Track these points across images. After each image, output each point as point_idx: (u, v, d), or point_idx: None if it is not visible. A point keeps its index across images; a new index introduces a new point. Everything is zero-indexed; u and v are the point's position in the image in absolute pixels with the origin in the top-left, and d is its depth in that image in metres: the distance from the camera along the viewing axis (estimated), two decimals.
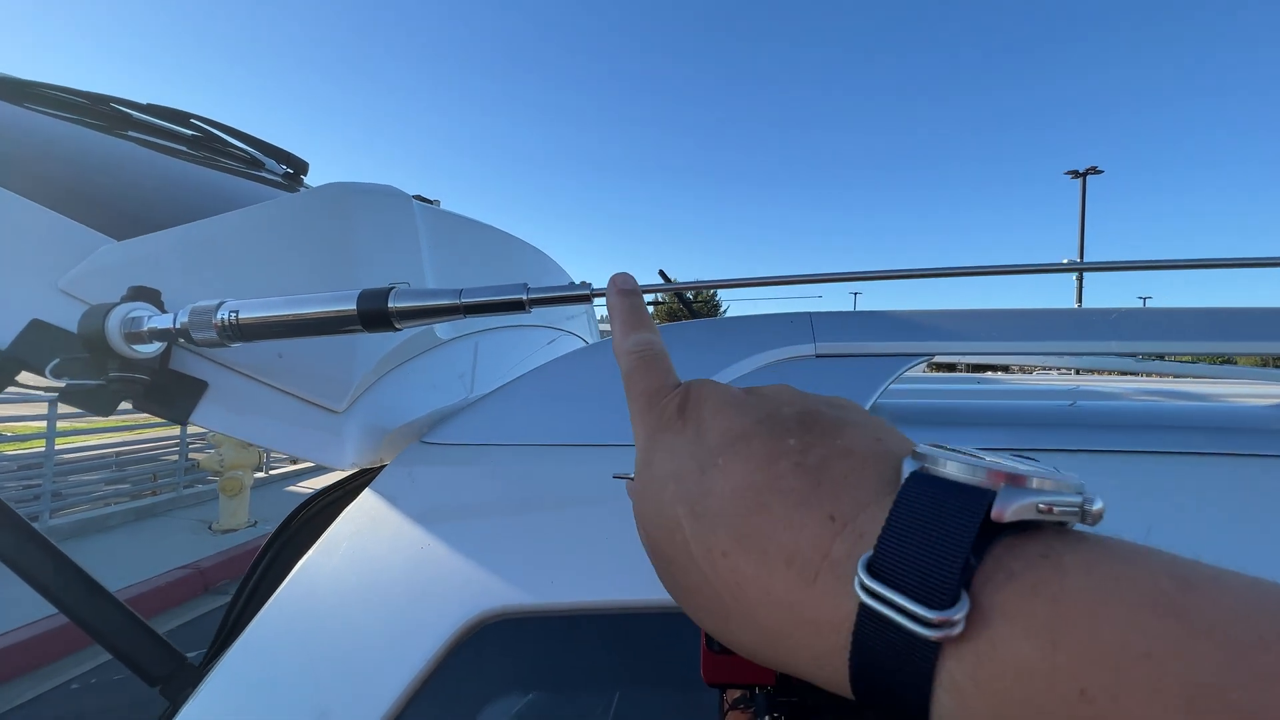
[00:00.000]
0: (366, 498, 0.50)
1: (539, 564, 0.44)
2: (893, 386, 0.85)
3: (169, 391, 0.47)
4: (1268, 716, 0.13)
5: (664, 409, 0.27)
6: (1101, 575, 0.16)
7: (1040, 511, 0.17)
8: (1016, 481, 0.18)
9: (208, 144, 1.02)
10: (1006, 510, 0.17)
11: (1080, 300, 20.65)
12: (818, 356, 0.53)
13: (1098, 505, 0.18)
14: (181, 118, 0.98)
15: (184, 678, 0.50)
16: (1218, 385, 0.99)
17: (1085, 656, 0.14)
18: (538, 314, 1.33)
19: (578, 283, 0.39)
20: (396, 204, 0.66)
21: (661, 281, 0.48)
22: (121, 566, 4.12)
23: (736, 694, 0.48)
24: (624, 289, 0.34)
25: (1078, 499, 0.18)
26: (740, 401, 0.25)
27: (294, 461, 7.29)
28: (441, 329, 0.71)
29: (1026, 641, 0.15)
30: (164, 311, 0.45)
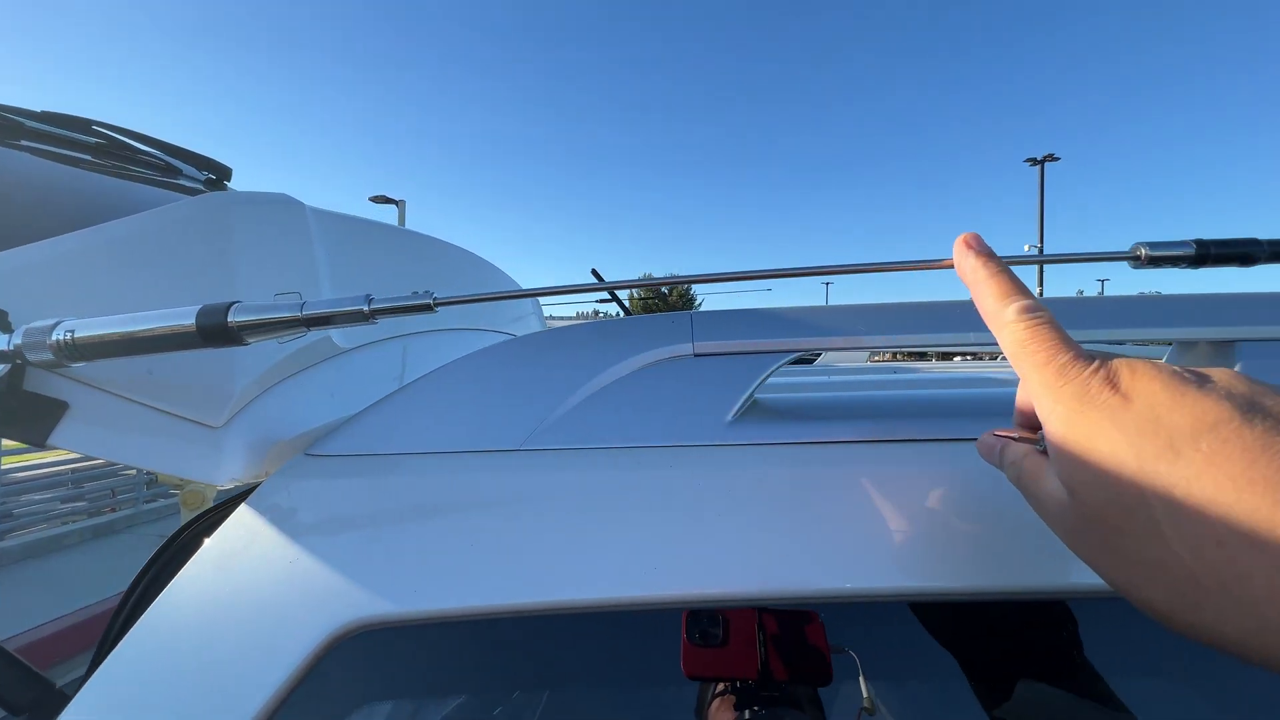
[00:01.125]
0: (241, 513, 0.50)
1: (408, 573, 0.45)
2: (774, 380, 0.86)
3: (20, 415, 0.46)
4: None
5: (1087, 381, 0.26)
6: None
7: None
8: None
9: (114, 152, 0.99)
10: None
11: (1040, 286, 21.20)
12: (695, 355, 0.53)
13: None
14: (81, 125, 0.95)
15: (51, 704, 0.49)
16: None
17: None
18: (486, 317, 1.33)
19: (422, 293, 0.39)
20: (286, 213, 0.65)
21: (594, 280, 0.48)
22: (80, 586, 3.99)
23: (719, 687, 0.49)
24: (982, 251, 0.33)
25: None
26: (1196, 383, 0.25)
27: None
28: (340, 337, 0.70)
29: None
30: (9, 331, 0.44)
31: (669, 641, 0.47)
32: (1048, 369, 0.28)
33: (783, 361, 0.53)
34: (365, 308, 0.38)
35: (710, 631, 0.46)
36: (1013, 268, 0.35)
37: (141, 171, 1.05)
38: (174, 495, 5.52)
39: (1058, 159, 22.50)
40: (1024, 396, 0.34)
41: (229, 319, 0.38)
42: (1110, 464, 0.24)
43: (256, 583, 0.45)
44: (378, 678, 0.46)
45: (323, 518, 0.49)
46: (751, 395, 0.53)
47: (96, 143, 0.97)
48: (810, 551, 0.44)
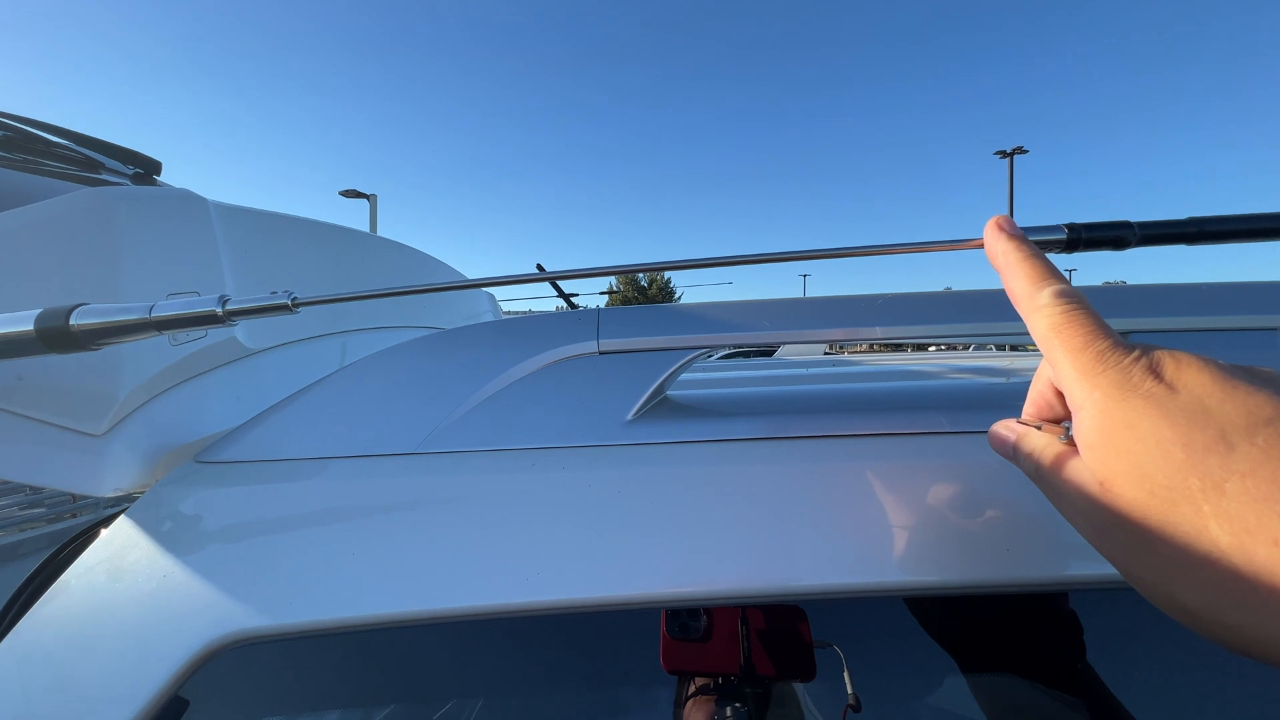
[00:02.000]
0: (120, 523, 0.47)
1: (286, 585, 0.43)
2: (705, 376, 0.86)
3: None
4: None
5: (1128, 369, 0.25)
6: None
7: None
8: None
9: (22, 144, 0.95)
10: None
11: None
12: (600, 353, 0.52)
13: None
14: None
15: None
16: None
17: None
18: (440, 315, 1.30)
19: (281, 292, 0.37)
20: (183, 209, 0.62)
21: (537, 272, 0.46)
22: None
23: (700, 683, 0.48)
24: (1015, 234, 0.32)
25: None
26: (1246, 377, 0.24)
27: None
28: (248, 339, 0.68)
29: None
30: None
31: (557, 648, 0.46)
32: (1084, 355, 0.27)
33: (688, 359, 0.52)
34: (219, 309, 0.36)
35: (691, 625, 0.45)
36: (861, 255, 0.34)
37: (57, 166, 1.01)
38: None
39: (1026, 151, 22.89)
40: (1041, 387, 0.33)
41: (71, 322, 0.36)
42: (1154, 454, 0.24)
43: (126, 598, 0.43)
44: (260, 695, 0.45)
45: (204, 527, 0.47)
46: (657, 393, 0.52)
47: (1, 135, 0.92)
48: (702, 552, 0.43)
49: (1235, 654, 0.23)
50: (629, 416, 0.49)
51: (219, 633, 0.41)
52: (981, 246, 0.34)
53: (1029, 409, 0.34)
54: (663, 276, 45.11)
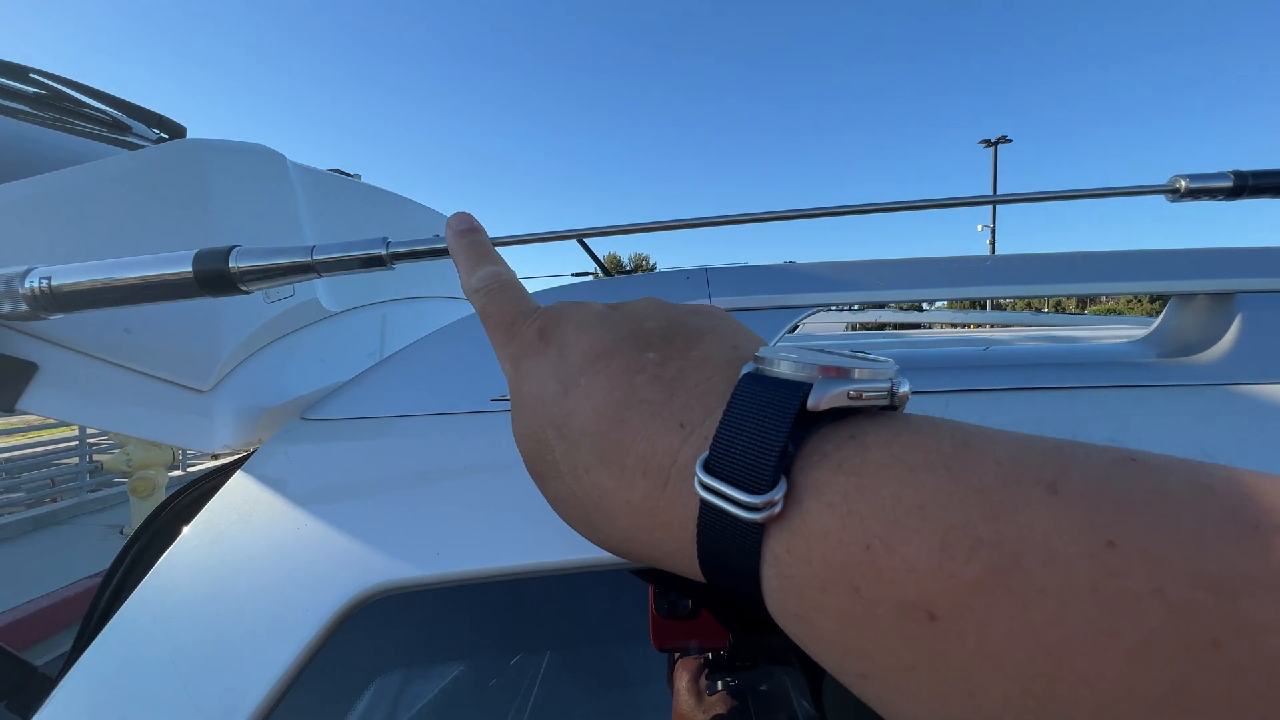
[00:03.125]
0: (238, 480, 0.46)
1: (422, 536, 0.43)
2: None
3: None
4: (1007, 547, 0.14)
5: (524, 335, 0.26)
6: (897, 446, 0.17)
7: (851, 398, 0.18)
8: (837, 374, 0.19)
9: (55, 104, 0.91)
10: (821, 400, 0.18)
11: (994, 249, 21.98)
12: None
13: (904, 389, 0.19)
14: (18, 72, 0.86)
15: (35, 688, 0.46)
16: (1098, 329, 1.07)
17: (870, 515, 0.16)
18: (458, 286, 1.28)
19: (434, 237, 0.36)
20: (265, 163, 0.61)
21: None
22: (22, 580, 3.77)
23: (687, 656, 0.48)
24: (460, 229, 0.32)
25: (886, 385, 0.19)
26: (602, 319, 0.25)
27: (214, 456, 6.86)
28: (329, 300, 0.66)
29: (828, 511, 0.17)
30: None
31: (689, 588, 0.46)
32: (499, 332, 0.28)
33: (804, 316, 0.52)
34: (383, 251, 0.35)
35: (679, 602, 0.46)
36: (1049, 201, 0.35)
37: (86, 126, 0.97)
38: (120, 484, 5.26)
39: (1010, 141, 23.18)
40: None
41: (230, 264, 0.35)
42: (528, 411, 0.25)
43: (260, 553, 0.42)
44: (395, 644, 0.45)
45: (325, 483, 0.46)
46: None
47: (35, 93, 0.88)
48: None
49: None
50: None
51: (366, 584, 0.41)
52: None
53: None
54: (648, 260, 45.16)
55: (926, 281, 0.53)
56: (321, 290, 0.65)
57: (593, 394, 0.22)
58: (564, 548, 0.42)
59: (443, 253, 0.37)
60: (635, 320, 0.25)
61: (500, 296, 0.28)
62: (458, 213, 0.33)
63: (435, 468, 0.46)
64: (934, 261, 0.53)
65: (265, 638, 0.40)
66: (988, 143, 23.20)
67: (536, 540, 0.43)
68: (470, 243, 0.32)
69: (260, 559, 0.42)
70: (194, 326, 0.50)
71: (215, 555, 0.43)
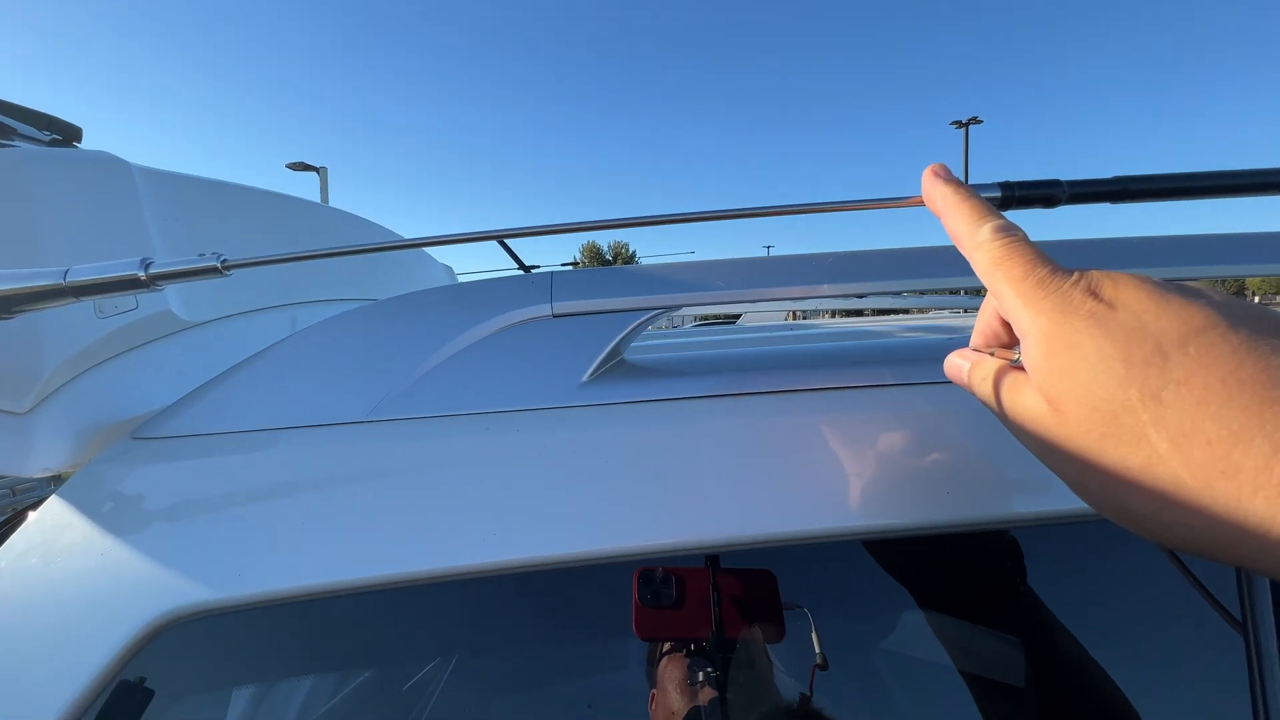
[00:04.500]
0: (50, 505, 0.45)
1: (233, 557, 0.42)
2: (643, 344, 0.86)
3: None
4: None
5: (1068, 292, 0.27)
6: None
7: None
8: None
9: None
10: None
11: None
12: (554, 316, 0.52)
13: None
14: None
15: None
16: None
17: None
18: (395, 287, 1.26)
19: (210, 254, 0.35)
20: (101, 173, 0.58)
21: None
22: None
23: (667, 646, 0.48)
24: (948, 179, 0.33)
25: None
26: (1179, 291, 0.25)
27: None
28: (188, 310, 0.65)
29: None
30: None
31: (519, 608, 0.46)
32: (1026, 283, 0.28)
33: (643, 320, 0.52)
34: (141, 273, 0.34)
35: (663, 592, 0.46)
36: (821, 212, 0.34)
37: None
38: None
39: (981, 121, 23.33)
40: (988, 318, 0.34)
41: None
42: (1096, 371, 0.25)
43: (63, 579, 0.41)
44: (211, 668, 0.44)
45: (143, 504, 0.45)
46: (612, 354, 0.52)
47: None
48: (660, 507, 0.44)
49: (1169, 549, 0.24)
50: (584, 378, 0.49)
51: (164, 608, 0.40)
52: (921, 203, 0.35)
53: (977, 339, 0.35)
54: (627, 249, 44.79)
55: (777, 280, 0.52)
56: (176, 300, 0.63)
57: (1209, 364, 0.23)
58: (380, 563, 0.42)
59: (213, 271, 0.35)
60: (1211, 296, 0.25)
61: (1024, 248, 0.29)
62: (939, 164, 0.33)
63: (259, 486, 0.45)
64: (784, 260, 0.52)
65: (58, 666, 0.39)
66: (959, 124, 23.34)
67: (351, 557, 0.42)
68: (968, 193, 0.32)
69: (60, 586, 0.41)
70: (9, 346, 0.49)
71: (15, 584, 0.42)
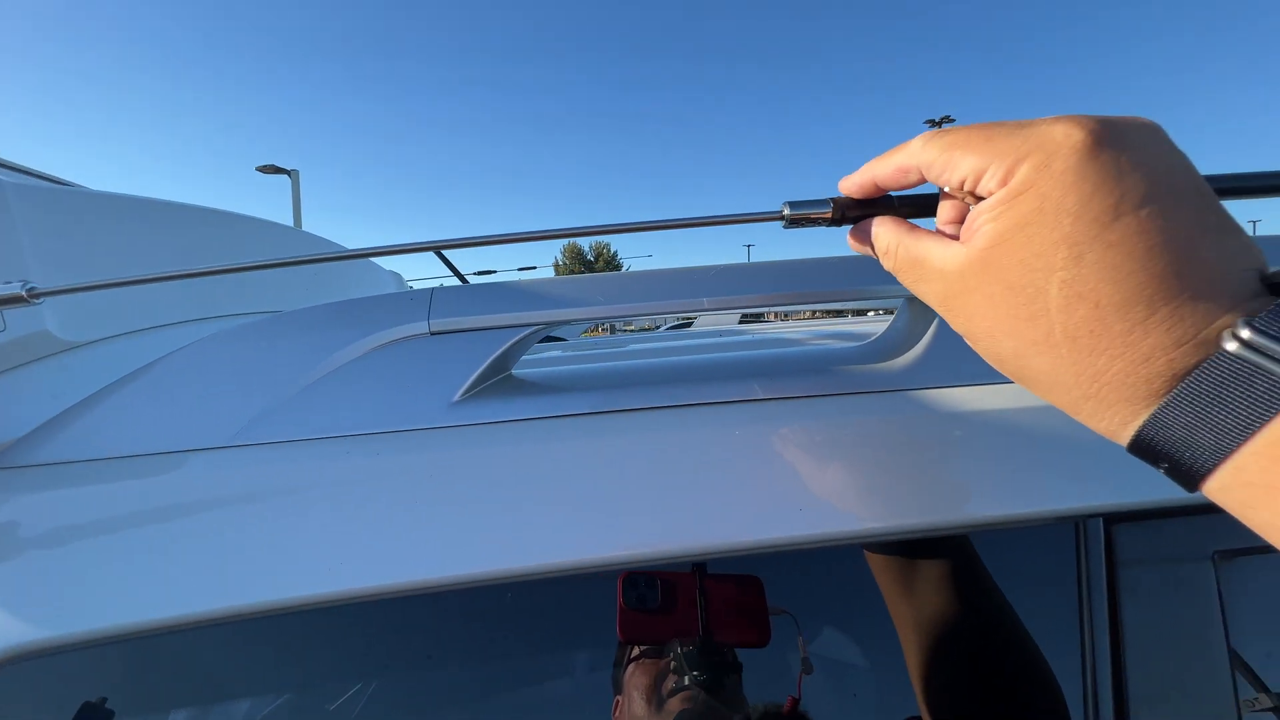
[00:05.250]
0: None
1: (71, 593, 0.40)
2: (556, 354, 0.86)
3: None
4: None
5: (1048, 132, 0.25)
6: None
7: None
8: None
9: None
10: None
11: None
12: (431, 334, 0.51)
13: None
14: None
15: None
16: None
17: None
18: (334, 294, 1.24)
19: (16, 281, 0.34)
20: None
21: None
22: None
23: (635, 651, 0.48)
24: (853, 179, 0.34)
25: None
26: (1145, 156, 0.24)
27: None
28: (68, 329, 0.62)
29: None
30: None
31: (377, 635, 0.45)
32: (999, 130, 0.26)
33: (522, 337, 0.51)
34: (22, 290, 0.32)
35: (648, 595, 0.46)
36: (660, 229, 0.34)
37: None
38: None
39: (954, 120, 23.77)
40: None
41: None
42: (1049, 224, 0.24)
43: None
44: (55, 705, 0.42)
45: None
46: (493, 371, 0.52)
47: None
48: (520, 528, 0.43)
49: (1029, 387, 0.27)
50: (456, 398, 0.48)
51: (2, 645, 0.38)
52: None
53: (854, 192, 0.35)
54: (609, 249, 44.59)
55: (654, 295, 0.52)
56: (54, 320, 0.61)
57: (1143, 237, 0.23)
58: (230, 594, 0.41)
59: (18, 300, 0.34)
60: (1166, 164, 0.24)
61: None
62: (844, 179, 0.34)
63: (112, 516, 0.44)
64: (664, 273, 0.52)
65: None
66: (932, 123, 23.76)
67: (202, 588, 0.41)
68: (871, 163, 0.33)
69: None
70: None
71: None
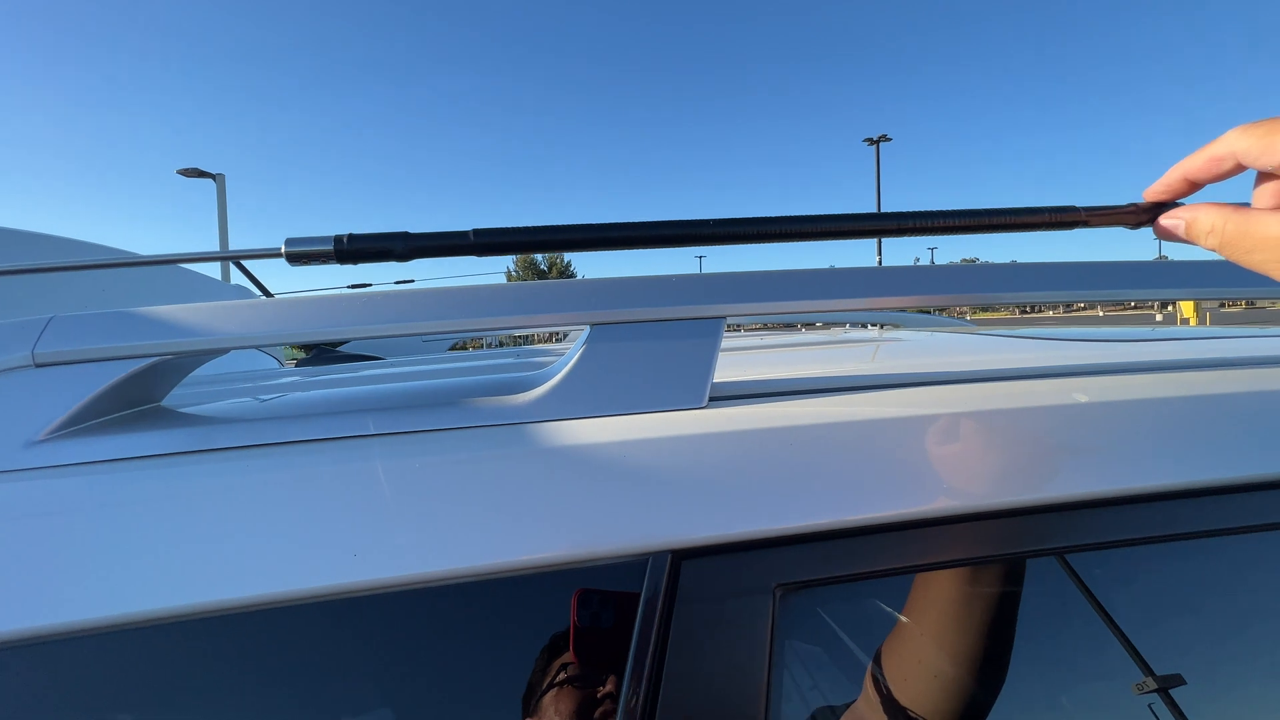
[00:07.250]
0: None
1: None
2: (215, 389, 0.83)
3: None
4: None
5: None
6: None
7: None
8: None
9: None
10: None
11: (880, 257, 23.55)
12: (37, 365, 0.47)
13: None
14: None
15: None
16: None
17: None
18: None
19: None
20: None
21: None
22: None
23: (562, 675, 0.46)
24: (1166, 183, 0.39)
25: None
26: None
27: None
28: None
29: None
30: None
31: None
32: None
33: (138, 367, 0.48)
34: None
35: (602, 614, 0.45)
36: None
37: None
38: None
39: (890, 139, 24.82)
40: (1171, 180, 0.38)
41: None
42: None
43: None
44: None
45: None
46: (101, 409, 0.48)
47: None
48: (84, 581, 0.40)
49: None
50: (40, 435, 0.45)
51: None
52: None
53: (1162, 195, 0.39)
54: (562, 259, 43.90)
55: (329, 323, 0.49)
56: None
57: None
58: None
59: None
60: None
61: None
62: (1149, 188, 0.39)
63: None
64: (361, 296, 0.49)
65: None
66: (870, 141, 24.79)
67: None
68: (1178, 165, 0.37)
69: None
70: None
71: None
